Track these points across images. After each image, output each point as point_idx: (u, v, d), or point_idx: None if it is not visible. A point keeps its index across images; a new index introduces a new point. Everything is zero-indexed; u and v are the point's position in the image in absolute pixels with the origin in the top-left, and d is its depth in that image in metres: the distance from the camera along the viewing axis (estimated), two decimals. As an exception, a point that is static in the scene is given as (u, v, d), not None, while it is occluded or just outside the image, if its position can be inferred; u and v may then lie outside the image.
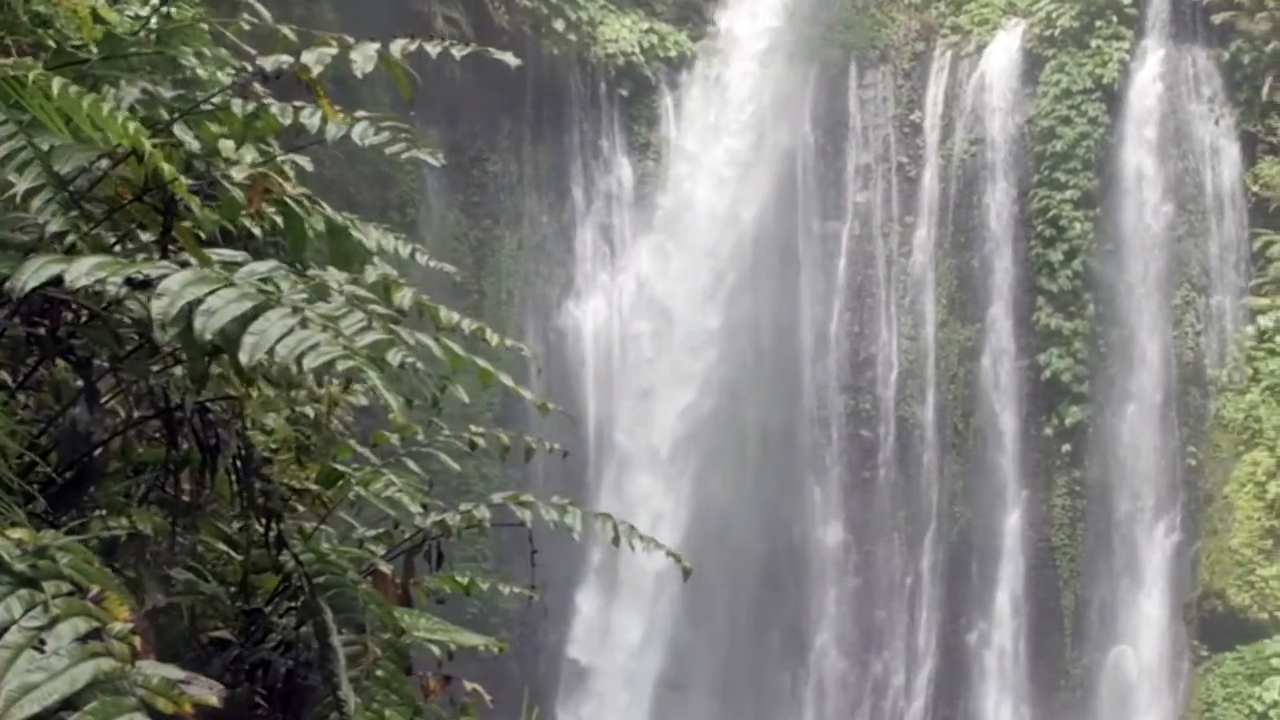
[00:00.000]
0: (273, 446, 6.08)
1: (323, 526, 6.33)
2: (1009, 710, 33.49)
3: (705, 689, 34.65)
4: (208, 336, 3.60)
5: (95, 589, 3.43)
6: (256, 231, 5.40)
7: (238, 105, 5.11)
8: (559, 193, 36.79)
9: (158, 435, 5.59)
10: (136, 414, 5.19)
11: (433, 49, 4.47)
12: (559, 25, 35.55)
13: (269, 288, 3.85)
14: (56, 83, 4.41)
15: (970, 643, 34.05)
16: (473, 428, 6.45)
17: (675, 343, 35.65)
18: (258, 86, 5.11)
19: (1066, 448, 33.78)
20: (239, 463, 5.11)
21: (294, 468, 6.44)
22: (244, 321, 3.68)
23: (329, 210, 4.99)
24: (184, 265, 4.06)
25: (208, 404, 4.91)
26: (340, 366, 3.52)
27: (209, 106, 5.16)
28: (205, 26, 4.97)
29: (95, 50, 5.31)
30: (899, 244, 35.98)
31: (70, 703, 3.09)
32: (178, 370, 5.09)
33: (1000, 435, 34.35)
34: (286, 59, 4.53)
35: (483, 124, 35.97)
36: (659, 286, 36.16)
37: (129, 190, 4.53)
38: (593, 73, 36.54)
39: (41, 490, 4.76)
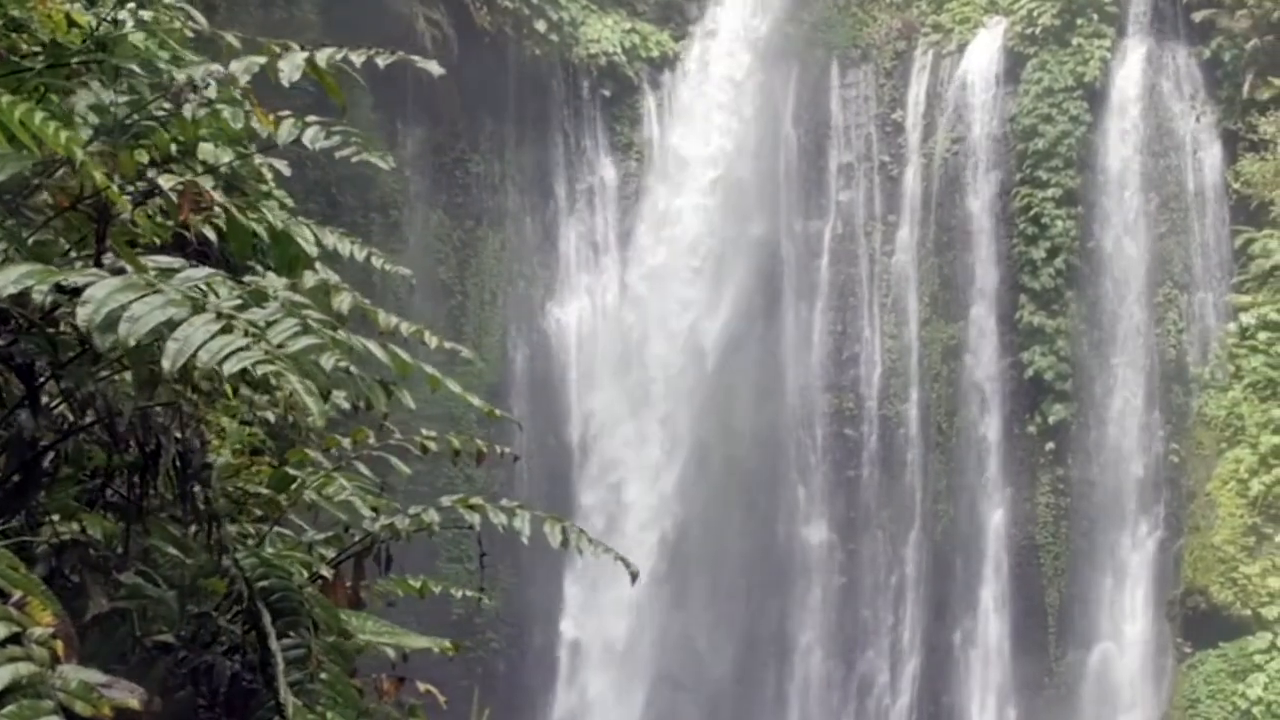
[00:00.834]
0: (224, 451, 6.11)
1: (277, 529, 6.37)
2: (993, 708, 33.51)
3: (691, 688, 34.68)
4: (131, 343, 3.64)
5: (18, 594, 3.47)
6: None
7: (189, 110, 5.15)
8: (542, 193, 36.79)
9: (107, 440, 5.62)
10: (82, 420, 5.22)
11: (357, 57, 4.52)
12: (541, 26, 35.54)
13: (197, 295, 3.88)
14: (-7, 91, 4.43)
15: (955, 641, 34.07)
16: (424, 431, 6.48)
17: (658, 342, 35.69)
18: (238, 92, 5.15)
19: (1050, 446, 33.82)
20: (178, 466, 5.14)
21: (248, 471, 6.47)
22: (170, 327, 3.72)
23: (271, 217, 5.02)
24: (117, 273, 4.10)
25: (149, 409, 4.94)
26: (260, 370, 3.56)
27: (160, 113, 5.20)
28: (144, 35, 5.00)
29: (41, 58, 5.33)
30: (881, 243, 36.03)
31: (-11, 706, 3.13)
32: (128, 375, 5.12)
33: (984, 433, 34.38)
34: (217, 68, 4.57)
35: (465, 125, 35.95)
36: (642, 286, 36.20)
37: (66, 198, 4.56)
38: (575, 73, 36.54)
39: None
